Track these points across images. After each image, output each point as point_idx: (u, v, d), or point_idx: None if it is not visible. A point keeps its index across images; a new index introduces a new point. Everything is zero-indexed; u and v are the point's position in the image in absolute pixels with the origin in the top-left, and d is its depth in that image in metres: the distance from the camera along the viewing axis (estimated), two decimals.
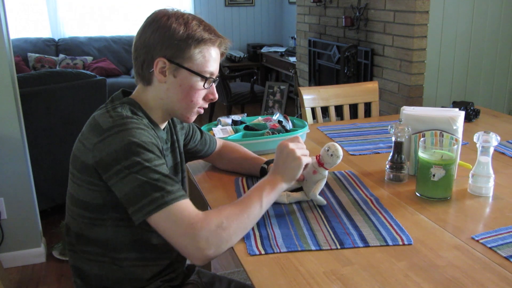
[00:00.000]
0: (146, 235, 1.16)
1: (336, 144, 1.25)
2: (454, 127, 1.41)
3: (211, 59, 1.18)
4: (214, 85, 1.22)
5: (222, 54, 1.24)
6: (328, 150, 1.25)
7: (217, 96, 1.23)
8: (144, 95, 1.20)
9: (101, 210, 1.11)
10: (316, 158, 1.27)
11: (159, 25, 1.14)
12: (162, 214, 1.02)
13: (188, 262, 1.33)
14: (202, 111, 1.24)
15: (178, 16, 1.16)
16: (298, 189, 1.35)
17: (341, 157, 1.25)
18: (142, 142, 1.05)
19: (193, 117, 1.24)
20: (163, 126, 1.25)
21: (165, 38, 1.14)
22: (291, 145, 1.20)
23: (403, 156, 1.43)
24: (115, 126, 1.07)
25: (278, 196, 1.19)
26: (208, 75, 1.18)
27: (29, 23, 5.59)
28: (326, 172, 1.28)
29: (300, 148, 1.21)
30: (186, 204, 1.05)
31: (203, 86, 1.18)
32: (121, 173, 1.03)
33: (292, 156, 1.18)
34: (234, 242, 1.07)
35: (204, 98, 1.22)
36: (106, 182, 1.06)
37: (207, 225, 1.01)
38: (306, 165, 1.24)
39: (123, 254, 1.16)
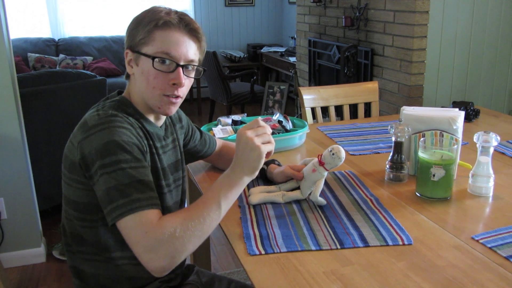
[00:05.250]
0: None
1: (341, 147, 1.26)
2: (454, 127, 1.41)
3: (166, 41, 1.10)
4: (180, 70, 1.12)
5: (198, 39, 1.15)
6: (331, 151, 1.25)
7: (181, 80, 1.12)
8: (130, 91, 1.20)
9: (90, 210, 1.11)
10: (318, 157, 1.28)
11: (132, 19, 1.16)
12: (124, 221, 0.99)
13: (187, 262, 1.33)
14: (174, 100, 1.14)
15: (160, 10, 1.14)
16: (295, 189, 1.35)
17: (342, 160, 1.25)
18: (122, 141, 1.04)
19: (166, 107, 1.15)
20: (159, 123, 1.24)
21: (130, 29, 1.15)
22: (249, 133, 1.05)
23: (403, 156, 1.43)
24: (99, 124, 1.07)
25: (241, 191, 1.07)
26: (164, 56, 1.10)
27: (29, 23, 5.58)
28: (326, 173, 1.28)
29: (260, 134, 1.06)
30: (149, 214, 0.99)
31: (153, 66, 1.10)
32: (98, 173, 1.02)
33: (251, 146, 1.04)
34: (191, 250, 1.00)
35: (169, 83, 1.12)
36: (89, 181, 1.06)
37: (160, 235, 0.96)
38: (269, 153, 1.08)
39: (117, 253, 1.15)
